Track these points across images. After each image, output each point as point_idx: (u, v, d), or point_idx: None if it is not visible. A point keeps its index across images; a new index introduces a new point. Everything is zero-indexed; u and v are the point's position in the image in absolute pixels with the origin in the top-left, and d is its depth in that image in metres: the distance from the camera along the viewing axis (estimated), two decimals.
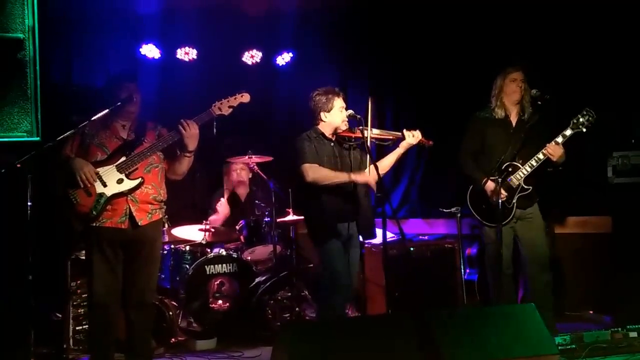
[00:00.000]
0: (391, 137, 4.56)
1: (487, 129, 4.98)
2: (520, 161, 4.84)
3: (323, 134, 4.55)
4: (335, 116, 4.52)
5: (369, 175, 4.37)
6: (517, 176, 4.82)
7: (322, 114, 4.54)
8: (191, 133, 4.17)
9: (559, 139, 4.73)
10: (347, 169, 4.49)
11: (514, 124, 4.93)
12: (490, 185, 4.81)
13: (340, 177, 4.40)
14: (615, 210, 5.37)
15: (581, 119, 4.70)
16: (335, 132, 4.55)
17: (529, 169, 4.80)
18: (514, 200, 4.84)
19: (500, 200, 4.71)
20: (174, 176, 4.42)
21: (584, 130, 4.69)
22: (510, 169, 4.85)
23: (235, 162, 6.33)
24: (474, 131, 5.04)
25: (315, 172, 4.39)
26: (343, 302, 4.51)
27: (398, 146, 4.56)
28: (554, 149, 4.73)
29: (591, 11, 5.79)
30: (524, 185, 4.82)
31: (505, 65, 5.00)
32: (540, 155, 4.76)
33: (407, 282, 5.50)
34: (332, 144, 4.56)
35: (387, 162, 4.60)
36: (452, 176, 6.31)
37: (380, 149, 5.13)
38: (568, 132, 4.73)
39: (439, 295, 5.66)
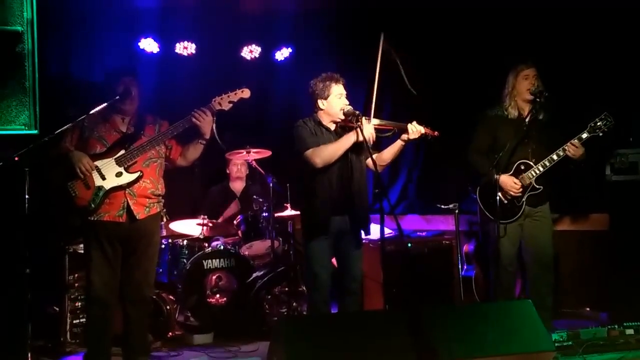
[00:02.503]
0: (391, 128, 4.35)
1: (498, 127, 4.93)
2: (533, 160, 4.83)
3: (320, 123, 4.40)
4: (332, 104, 4.34)
5: (362, 128, 4.11)
6: (530, 175, 4.81)
7: (319, 101, 4.38)
8: (207, 120, 4.21)
9: (576, 142, 4.71)
10: (346, 161, 4.31)
11: (526, 122, 4.87)
12: (505, 180, 4.80)
13: (344, 143, 4.21)
14: (613, 207, 5.37)
15: (599, 123, 4.68)
16: (335, 122, 4.38)
17: (541, 169, 4.78)
18: (524, 199, 4.84)
19: (498, 197, 4.72)
20: (184, 162, 4.44)
21: (601, 134, 4.68)
22: (522, 167, 4.84)
23: (235, 157, 6.34)
24: (485, 130, 5.00)
25: (320, 155, 4.22)
26: (322, 299, 4.35)
27: (399, 138, 4.35)
28: (575, 150, 4.70)
29: (592, 11, 5.78)
30: (535, 184, 4.82)
31: (516, 62, 4.97)
32: (555, 156, 4.74)
33: (405, 278, 5.50)
34: (330, 133, 4.38)
35: (387, 156, 4.43)
36: (451, 173, 6.33)
37: (376, 141, 5.02)
38: (585, 135, 4.70)
39: (436, 292, 5.67)
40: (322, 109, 4.40)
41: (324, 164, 4.23)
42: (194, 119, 4.19)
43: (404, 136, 4.32)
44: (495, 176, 4.80)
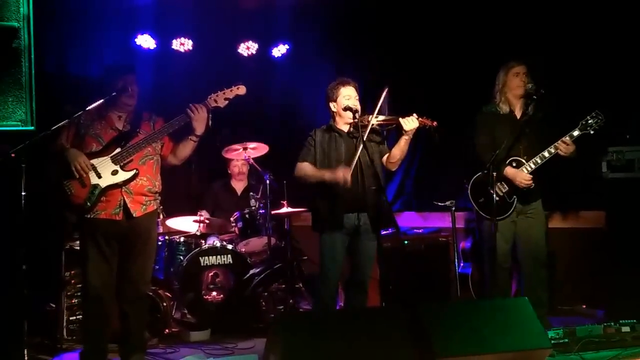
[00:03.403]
0: (393, 122, 4.45)
1: (494, 124, 4.96)
2: (525, 157, 4.83)
3: (332, 126, 4.56)
4: (339, 106, 4.51)
5: (339, 172, 4.30)
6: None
7: (330, 104, 4.57)
8: (200, 116, 4.21)
9: (567, 139, 4.72)
10: (355, 160, 4.40)
11: (518, 118, 4.91)
12: (515, 173, 4.82)
13: (318, 175, 4.44)
14: (609, 205, 5.38)
15: (590, 121, 4.69)
16: (348, 123, 4.52)
17: (533, 166, 4.79)
18: (515, 195, 4.84)
19: (494, 193, 4.72)
20: (175, 161, 4.43)
21: (592, 132, 4.70)
22: (514, 164, 4.85)
23: (234, 156, 6.34)
24: (485, 126, 5.01)
25: (298, 171, 4.54)
26: (329, 294, 4.47)
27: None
28: (567, 148, 4.71)
29: (589, 8, 5.79)
30: None
31: (507, 59, 4.99)
32: (546, 154, 4.75)
33: (401, 275, 5.51)
34: (342, 137, 4.53)
35: (395, 152, 4.50)
36: (448, 170, 6.33)
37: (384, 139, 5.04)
38: (576, 132, 4.72)
39: (433, 289, 5.68)
40: (334, 111, 4.57)
41: (299, 179, 4.57)
42: (188, 111, 4.20)
43: (404, 131, 4.40)
44: (511, 170, 4.80)
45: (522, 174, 4.81)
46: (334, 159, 4.49)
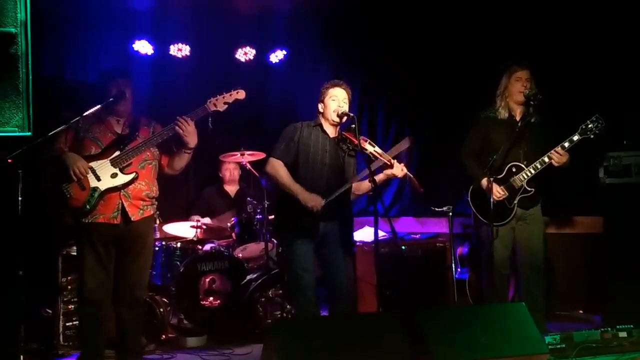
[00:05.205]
0: (385, 162, 4.30)
1: (491, 129, 4.94)
2: (525, 162, 4.83)
3: (320, 125, 4.42)
4: (327, 105, 4.38)
5: (314, 200, 4.16)
6: (521, 177, 4.81)
7: (319, 105, 4.44)
8: (189, 130, 4.19)
9: (566, 144, 4.70)
10: (336, 168, 4.35)
11: (518, 124, 4.88)
12: (486, 183, 4.80)
13: (292, 189, 4.22)
14: (607, 210, 5.39)
15: (590, 125, 4.67)
16: (333, 125, 4.40)
17: (532, 171, 4.78)
18: (515, 201, 4.84)
19: (492, 199, 4.72)
20: (172, 171, 4.43)
21: (592, 136, 4.68)
22: (514, 170, 4.85)
23: (227, 160, 6.35)
24: (478, 131, 5.01)
25: (271, 168, 4.31)
26: (308, 301, 4.29)
27: (383, 170, 4.35)
28: (559, 158, 4.70)
29: (585, 13, 5.81)
30: (526, 187, 4.83)
31: (509, 64, 4.97)
32: (546, 159, 4.73)
33: (399, 281, 5.50)
34: (327, 139, 4.39)
35: (364, 187, 4.39)
36: (445, 175, 6.33)
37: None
38: (576, 137, 4.70)
39: (430, 294, 5.67)
40: (321, 112, 4.45)
41: (268, 174, 4.38)
42: (176, 128, 4.17)
43: (387, 171, 4.31)
44: (484, 180, 4.79)
45: (496, 190, 4.80)
46: (318, 162, 4.34)
